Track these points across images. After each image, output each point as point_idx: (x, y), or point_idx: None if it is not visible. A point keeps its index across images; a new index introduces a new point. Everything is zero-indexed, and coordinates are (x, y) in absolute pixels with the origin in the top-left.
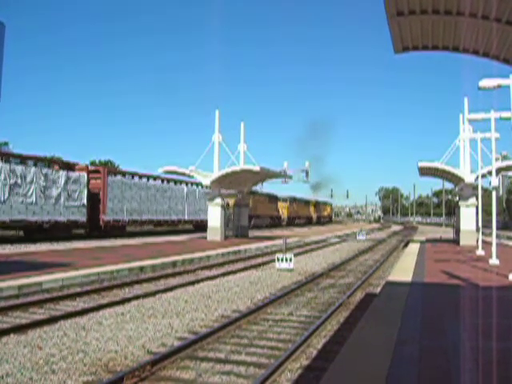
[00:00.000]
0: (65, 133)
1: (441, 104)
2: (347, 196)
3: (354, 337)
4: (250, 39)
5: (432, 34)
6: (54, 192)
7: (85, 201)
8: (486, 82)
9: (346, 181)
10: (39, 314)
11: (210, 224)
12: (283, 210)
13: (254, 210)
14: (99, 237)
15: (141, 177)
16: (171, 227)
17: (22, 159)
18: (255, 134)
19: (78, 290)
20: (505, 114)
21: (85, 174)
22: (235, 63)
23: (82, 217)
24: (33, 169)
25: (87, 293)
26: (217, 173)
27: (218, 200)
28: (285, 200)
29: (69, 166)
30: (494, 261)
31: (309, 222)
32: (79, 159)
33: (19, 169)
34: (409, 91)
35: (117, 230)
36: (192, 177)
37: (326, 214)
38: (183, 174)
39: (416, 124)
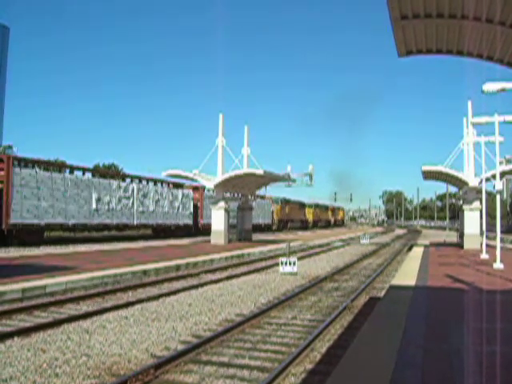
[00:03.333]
0: (68, 135)
1: (444, 107)
2: (351, 199)
3: (357, 341)
4: (254, 44)
5: (436, 37)
6: (176, 204)
7: (191, 210)
8: (489, 86)
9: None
10: (43, 317)
11: (213, 228)
12: (309, 215)
13: (288, 216)
14: (197, 235)
15: None
16: None
17: (155, 181)
18: (259, 138)
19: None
20: (509, 118)
21: (191, 191)
22: (239, 67)
23: (190, 221)
24: (166, 188)
25: (91, 296)
26: (220, 176)
27: (222, 204)
28: (310, 206)
29: (180, 186)
30: (498, 265)
31: (328, 224)
32: (83, 162)
33: (159, 188)
34: (412, 95)
35: (208, 230)
36: (196, 180)
37: (339, 217)
38: (187, 178)
39: (420, 127)
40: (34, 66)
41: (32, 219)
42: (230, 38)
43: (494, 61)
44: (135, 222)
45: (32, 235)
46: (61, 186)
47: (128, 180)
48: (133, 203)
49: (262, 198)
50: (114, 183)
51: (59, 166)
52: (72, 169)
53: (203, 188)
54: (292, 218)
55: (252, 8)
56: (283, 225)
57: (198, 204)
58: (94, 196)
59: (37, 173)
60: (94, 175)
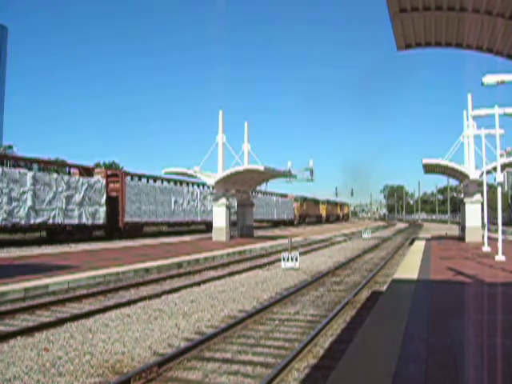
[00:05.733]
0: (68, 134)
1: (445, 100)
2: (352, 194)
3: (360, 335)
4: (254, 39)
5: (435, 30)
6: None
7: (236, 209)
8: (489, 78)
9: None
10: (46, 316)
11: (215, 224)
12: (323, 211)
13: (306, 211)
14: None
15: (271, 194)
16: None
17: (208, 186)
18: (259, 132)
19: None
20: (509, 110)
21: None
22: (238, 62)
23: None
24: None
25: (93, 294)
26: (221, 173)
27: (223, 200)
28: (323, 202)
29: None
30: (500, 257)
31: (337, 218)
32: (83, 161)
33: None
34: (412, 88)
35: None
36: (197, 177)
37: (346, 212)
38: (188, 175)
39: (420, 121)
40: (33, 64)
41: (136, 218)
42: (228, 32)
43: (493, 53)
44: (199, 219)
45: (136, 230)
46: (153, 193)
47: (190, 185)
48: (197, 204)
49: (285, 196)
50: (185, 189)
51: (147, 177)
52: (155, 179)
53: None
54: (309, 213)
55: (253, 3)
56: (302, 219)
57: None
58: (173, 199)
59: (138, 184)
60: (168, 182)
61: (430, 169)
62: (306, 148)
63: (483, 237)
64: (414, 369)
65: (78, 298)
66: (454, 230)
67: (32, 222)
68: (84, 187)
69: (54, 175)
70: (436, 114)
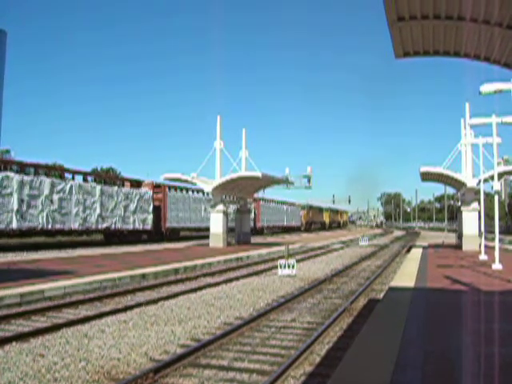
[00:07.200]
0: (64, 138)
1: (443, 109)
2: (349, 201)
3: (357, 343)
4: (254, 43)
5: (433, 38)
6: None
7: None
8: (486, 87)
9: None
10: (42, 321)
11: (212, 231)
12: (326, 218)
13: (312, 218)
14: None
15: (282, 203)
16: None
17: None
18: (257, 140)
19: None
20: (506, 119)
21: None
22: (238, 67)
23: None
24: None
25: (90, 300)
26: (218, 179)
27: (220, 207)
28: (327, 210)
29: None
30: (496, 265)
31: (338, 225)
32: (81, 166)
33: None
34: (410, 96)
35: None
36: (194, 184)
37: (345, 219)
38: (185, 181)
39: (418, 129)
40: (30, 69)
41: (174, 224)
42: (228, 36)
43: (491, 62)
44: None
45: (174, 234)
46: (187, 202)
47: None
48: None
49: (293, 205)
50: None
51: (181, 189)
52: (187, 190)
53: (260, 199)
54: (314, 220)
55: (251, 7)
56: (308, 226)
57: (256, 211)
58: (203, 207)
59: (176, 194)
60: (197, 192)
61: (427, 177)
62: (305, 154)
63: (480, 245)
64: (411, 377)
65: (74, 304)
66: (451, 238)
67: (99, 227)
68: (137, 198)
69: (115, 188)
70: (434, 122)
